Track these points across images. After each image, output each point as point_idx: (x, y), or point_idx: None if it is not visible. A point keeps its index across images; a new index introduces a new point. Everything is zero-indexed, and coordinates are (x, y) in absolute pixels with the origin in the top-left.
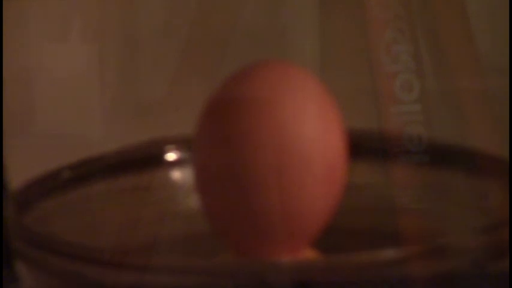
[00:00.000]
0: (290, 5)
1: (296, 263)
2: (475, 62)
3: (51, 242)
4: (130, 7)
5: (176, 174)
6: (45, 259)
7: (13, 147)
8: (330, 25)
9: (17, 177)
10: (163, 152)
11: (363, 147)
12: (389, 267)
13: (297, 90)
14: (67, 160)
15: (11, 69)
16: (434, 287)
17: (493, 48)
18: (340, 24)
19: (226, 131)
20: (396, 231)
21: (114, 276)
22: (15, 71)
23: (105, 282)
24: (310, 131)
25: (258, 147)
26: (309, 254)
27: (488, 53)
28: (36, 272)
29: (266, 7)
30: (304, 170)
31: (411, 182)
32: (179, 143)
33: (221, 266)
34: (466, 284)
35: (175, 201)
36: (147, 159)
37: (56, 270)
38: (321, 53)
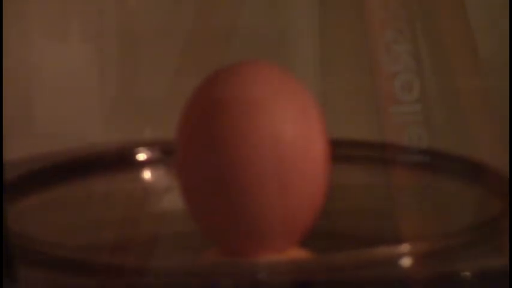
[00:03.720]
0: (290, 6)
1: (294, 262)
2: (475, 62)
3: (46, 245)
4: (130, 7)
5: (150, 175)
6: (42, 261)
7: (13, 147)
8: (330, 25)
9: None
10: (136, 153)
11: (362, 146)
12: (389, 266)
13: (282, 90)
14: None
15: (11, 69)
16: (434, 287)
17: (493, 48)
18: (340, 25)
19: (211, 131)
20: (395, 232)
21: (111, 278)
22: (16, 71)
23: (102, 283)
24: (296, 132)
25: (243, 148)
26: (296, 254)
27: (488, 53)
28: (34, 274)
29: (266, 7)
30: (290, 171)
31: (410, 182)
32: (152, 144)
33: (220, 266)
34: (466, 284)
35: (151, 202)
36: (123, 160)
37: (54, 273)
38: (321, 53)
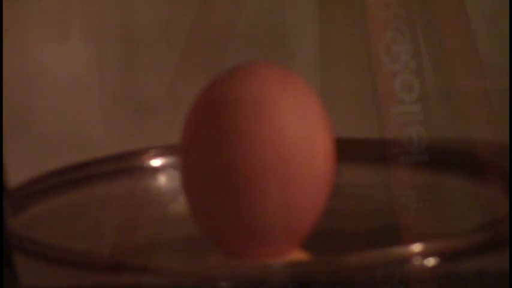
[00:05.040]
0: (290, 5)
1: (295, 264)
2: (475, 62)
3: (47, 247)
4: (130, 7)
5: (163, 180)
6: (44, 262)
7: (13, 147)
8: (330, 25)
9: (17, 177)
10: (150, 159)
11: (362, 146)
12: (390, 267)
13: (286, 91)
14: (67, 160)
15: (11, 69)
16: (434, 287)
17: (493, 48)
18: (340, 25)
19: (215, 132)
20: (396, 232)
21: (112, 279)
22: (16, 71)
23: (103, 285)
24: (299, 132)
25: (247, 149)
26: (298, 255)
27: (488, 53)
28: (34, 275)
29: (266, 8)
30: (294, 171)
31: (411, 182)
32: (165, 149)
33: (220, 268)
34: (466, 284)
35: (164, 206)
36: (135, 165)
37: (54, 274)
38: (321, 53)
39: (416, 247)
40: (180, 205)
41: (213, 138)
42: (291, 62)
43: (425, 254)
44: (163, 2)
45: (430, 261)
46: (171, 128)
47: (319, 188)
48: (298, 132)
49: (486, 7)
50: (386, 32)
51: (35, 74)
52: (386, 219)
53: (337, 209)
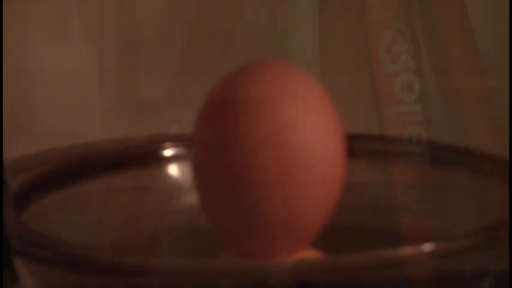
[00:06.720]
0: (290, 5)
1: (297, 263)
2: (475, 62)
3: (51, 242)
4: (130, 7)
5: (174, 171)
6: (44, 260)
7: (13, 147)
8: (330, 25)
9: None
10: (161, 149)
11: (363, 146)
12: (390, 267)
13: (297, 90)
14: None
15: (11, 69)
16: (434, 287)
17: (493, 48)
18: (340, 24)
19: (226, 131)
20: (396, 231)
21: (113, 276)
22: (15, 71)
23: (105, 282)
24: (310, 131)
25: (258, 147)
26: (309, 254)
27: (488, 53)
28: (36, 273)
29: (266, 7)
30: (304, 170)
31: (411, 181)
32: (177, 140)
33: (222, 267)
34: (466, 284)
35: (174, 199)
36: (145, 156)
37: (56, 271)
38: (321, 53)
39: (417, 247)
40: (188, 198)
41: (217, 138)
42: (291, 62)
43: (425, 254)
44: (163, 2)
45: (430, 261)
46: (171, 127)
47: (325, 188)
48: (300, 132)
49: (486, 7)
50: (386, 32)
51: (35, 74)
52: (386, 219)
53: (340, 207)
